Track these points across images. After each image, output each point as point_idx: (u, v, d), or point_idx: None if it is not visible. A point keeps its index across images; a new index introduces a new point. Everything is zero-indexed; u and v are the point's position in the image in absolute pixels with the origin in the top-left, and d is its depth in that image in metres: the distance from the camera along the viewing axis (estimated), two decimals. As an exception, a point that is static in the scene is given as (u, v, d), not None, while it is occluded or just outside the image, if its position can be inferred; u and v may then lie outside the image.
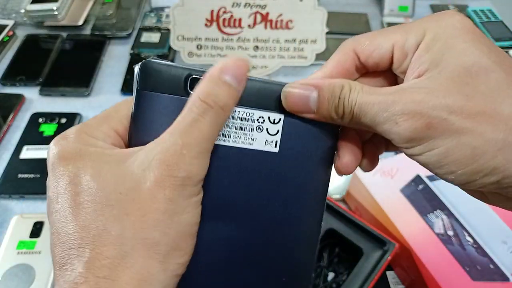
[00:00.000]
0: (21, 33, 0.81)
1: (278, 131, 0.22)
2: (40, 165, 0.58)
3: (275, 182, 0.22)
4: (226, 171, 0.22)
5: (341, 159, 0.23)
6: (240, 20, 0.67)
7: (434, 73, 0.20)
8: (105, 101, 0.69)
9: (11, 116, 0.65)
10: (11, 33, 0.80)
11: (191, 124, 0.20)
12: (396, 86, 0.21)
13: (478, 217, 0.46)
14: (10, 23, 0.81)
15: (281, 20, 0.67)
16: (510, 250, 0.43)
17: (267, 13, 0.67)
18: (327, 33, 0.69)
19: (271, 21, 0.67)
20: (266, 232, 0.23)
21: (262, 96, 0.22)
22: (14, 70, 0.73)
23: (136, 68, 0.22)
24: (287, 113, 0.22)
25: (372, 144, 0.25)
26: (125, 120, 0.23)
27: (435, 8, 0.94)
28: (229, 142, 0.22)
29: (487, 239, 0.44)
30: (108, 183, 0.20)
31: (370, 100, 0.21)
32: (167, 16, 0.85)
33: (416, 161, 0.21)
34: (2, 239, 0.50)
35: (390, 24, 0.87)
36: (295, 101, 0.22)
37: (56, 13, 0.79)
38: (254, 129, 0.22)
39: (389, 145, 0.25)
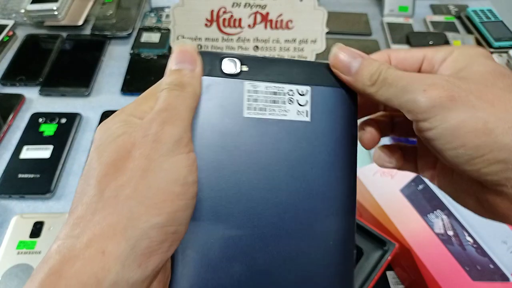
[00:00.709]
0: (21, 33, 0.81)
1: (307, 101, 0.25)
2: (40, 165, 0.58)
3: (310, 149, 0.24)
4: (264, 142, 0.24)
5: (365, 131, 0.28)
6: (240, 20, 0.67)
7: (457, 72, 0.23)
8: (105, 101, 0.69)
9: (11, 116, 0.65)
10: (11, 33, 0.80)
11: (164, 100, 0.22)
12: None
13: (478, 217, 0.46)
14: (10, 23, 0.81)
15: (281, 20, 0.67)
16: (510, 250, 0.43)
17: (267, 13, 0.67)
18: (327, 33, 0.69)
19: (271, 21, 0.67)
20: (303, 199, 0.24)
21: (288, 72, 0.25)
22: (14, 70, 0.73)
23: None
24: (313, 85, 0.25)
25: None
26: None
27: (435, 8, 0.94)
28: (266, 115, 0.24)
29: (487, 239, 0.44)
30: (107, 159, 0.21)
31: (404, 75, 0.23)
32: (167, 16, 0.86)
33: (426, 138, 0.23)
34: (2, 239, 0.50)
35: (390, 24, 0.87)
36: (341, 61, 0.25)
37: (56, 13, 0.79)
38: (286, 102, 0.24)
39: (394, 128, 0.30)
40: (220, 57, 0.24)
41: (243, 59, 0.24)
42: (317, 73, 0.25)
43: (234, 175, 0.23)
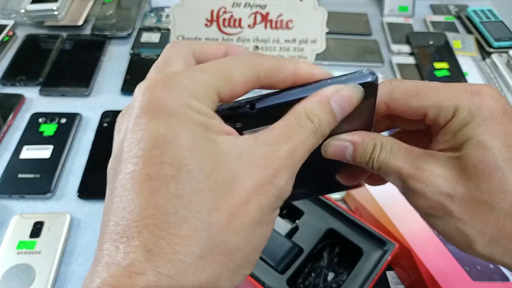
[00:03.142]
0: (21, 33, 0.81)
1: None
2: (40, 165, 0.58)
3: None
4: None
5: None
6: (240, 20, 0.67)
7: (451, 160, 0.22)
8: (105, 101, 0.69)
9: (11, 116, 0.65)
10: (11, 33, 0.80)
11: (302, 140, 0.19)
12: (423, 154, 0.23)
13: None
14: (10, 23, 0.81)
15: (281, 20, 0.67)
16: (510, 250, 0.43)
17: (267, 13, 0.67)
18: (327, 33, 0.69)
19: (271, 21, 0.67)
20: None
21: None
22: (14, 70, 0.73)
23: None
24: None
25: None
26: (235, 89, 0.19)
27: (435, 8, 0.94)
28: None
29: (487, 239, 0.44)
30: (205, 165, 0.17)
31: (394, 165, 0.23)
32: (167, 16, 0.86)
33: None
34: (2, 239, 0.50)
35: (390, 24, 0.87)
36: (334, 151, 0.24)
37: (56, 13, 0.79)
38: None
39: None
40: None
41: (233, 116, 0.21)
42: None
43: None
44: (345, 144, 0.24)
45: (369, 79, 0.21)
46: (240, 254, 0.17)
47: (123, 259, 0.15)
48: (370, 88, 0.22)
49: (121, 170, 0.17)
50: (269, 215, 0.18)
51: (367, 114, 0.24)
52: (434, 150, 0.23)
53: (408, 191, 0.23)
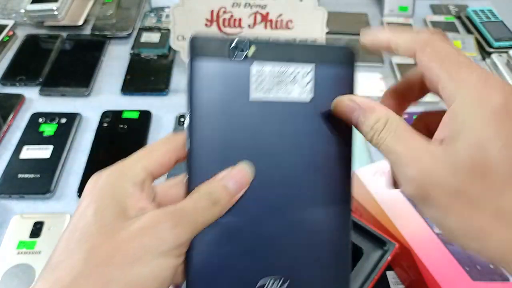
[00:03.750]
0: (21, 33, 0.81)
1: (310, 80, 0.26)
2: (40, 165, 0.58)
3: (311, 127, 0.26)
4: (269, 122, 0.25)
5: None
6: (240, 20, 0.67)
7: (449, 150, 0.21)
8: (105, 101, 0.69)
9: (11, 116, 0.65)
10: (11, 33, 0.80)
11: (191, 212, 0.23)
12: (424, 142, 0.22)
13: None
14: (10, 23, 0.81)
15: (281, 20, 0.67)
16: (510, 250, 0.43)
17: (267, 13, 0.67)
18: (327, 33, 0.69)
19: (271, 21, 0.67)
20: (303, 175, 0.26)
21: (292, 51, 0.26)
22: (14, 70, 0.73)
23: (186, 42, 0.26)
24: (316, 63, 0.26)
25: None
26: (158, 159, 0.25)
27: (435, 8, 0.94)
28: (271, 95, 0.25)
29: (487, 239, 0.44)
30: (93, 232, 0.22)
31: (393, 149, 0.23)
32: (167, 16, 0.85)
33: None
34: (2, 239, 0.50)
35: (390, 24, 0.87)
36: (342, 109, 0.25)
37: (56, 13, 0.79)
38: (290, 82, 0.25)
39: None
40: (229, 40, 0.25)
41: (250, 42, 0.25)
42: (319, 52, 0.26)
43: (243, 153, 0.24)
44: (356, 107, 0.25)
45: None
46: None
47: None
48: (348, 55, 0.26)
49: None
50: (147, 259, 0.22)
51: (348, 82, 0.26)
52: (439, 135, 0.22)
53: (402, 176, 0.23)
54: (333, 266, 0.26)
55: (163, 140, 0.26)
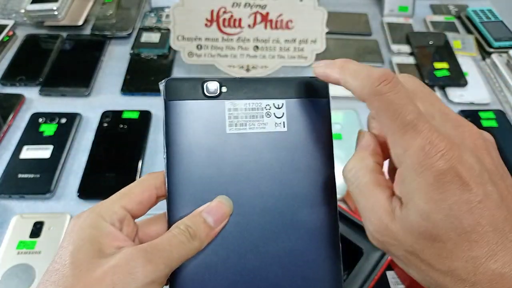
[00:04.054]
0: (21, 33, 0.81)
1: (283, 113, 0.27)
2: (40, 165, 0.58)
3: (289, 155, 0.26)
4: (246, 155, 0.26)
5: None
6: (240, 20, 0.67)
7: (403, 213, 0.22)
8: (105, 101, 0.69)
9: (11, 116, 0.65)
10: (11, 33, 0.80)
11: (165, 248, 0.23)
12: (385, 200, 0.23)
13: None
14: (10, 23, 0.81)
15: (281, 20, 0.67)
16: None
17: (267, 13, 0.67)
18: (327, 33, 0.69)
19: (271, 21, 0.67)
20: (286, 206, 0.26)
21: (264, 88, 0.27)
22: (14, 70, 0.73)
23: (162, 86, 0.26)
24: (287, 98, 0.27)
25: None
26: (136, 198, 0.26)
27: (435, 8, 0.94)
28: (246, 130, 0.26)
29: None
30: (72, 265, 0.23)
31: (358, 200, 0.24)
32: (167, 16, 0.86)
33: None
34: (2, 239, 0.50)
35: (390, 24, 0.87)
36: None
37: (56, 13, 0.79)
38: (264, 115, 0.26)
39: None
40: (202, 81, 0.26)
41: (222, 81, 0.26)
42: (290, 87, 0.27)
43: (221, 187, 0.25)
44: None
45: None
46: None
47: None
48: (321, 86, 0.27)
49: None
50: None
51: (323, 112, 0.27)
52: (396, 190, 0.23)
53: (365, 226, 0.24)
54: None
55: (143, 178, 0.26)
